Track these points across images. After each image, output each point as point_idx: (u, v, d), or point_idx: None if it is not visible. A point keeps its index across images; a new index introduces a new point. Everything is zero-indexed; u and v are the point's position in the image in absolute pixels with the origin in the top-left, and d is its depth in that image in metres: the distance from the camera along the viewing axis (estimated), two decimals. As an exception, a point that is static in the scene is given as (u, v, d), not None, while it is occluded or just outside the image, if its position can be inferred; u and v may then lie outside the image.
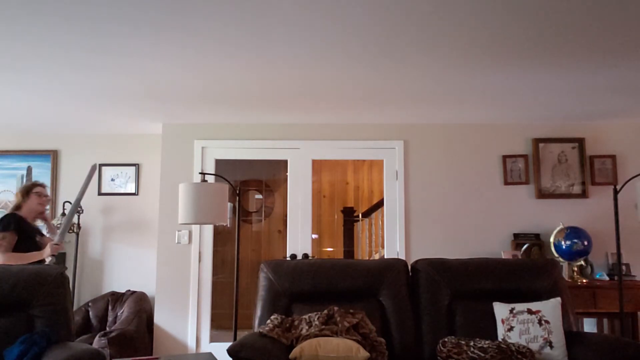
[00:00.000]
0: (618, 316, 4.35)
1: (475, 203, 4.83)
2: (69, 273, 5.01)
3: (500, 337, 2.96)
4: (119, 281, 5.20)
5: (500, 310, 3.03)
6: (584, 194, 4.79)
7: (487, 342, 2.76)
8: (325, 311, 2.95)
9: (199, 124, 4.90)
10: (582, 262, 4.47)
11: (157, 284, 4.72)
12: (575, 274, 4.43)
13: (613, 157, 4.84)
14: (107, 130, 5.19)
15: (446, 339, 2.86)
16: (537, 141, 4.85)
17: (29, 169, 5.32)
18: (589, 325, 4.79)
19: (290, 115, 4.62)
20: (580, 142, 4.85)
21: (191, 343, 4.68)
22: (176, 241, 4.76)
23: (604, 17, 2.64)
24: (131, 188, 5.28)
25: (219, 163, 4.94)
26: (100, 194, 5.27)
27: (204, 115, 4.61)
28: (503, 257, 4.58)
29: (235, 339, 3.43)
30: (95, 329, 4.73)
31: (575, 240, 4.35)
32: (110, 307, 4.85)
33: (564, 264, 4.43)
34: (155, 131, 5.23)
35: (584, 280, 4.34)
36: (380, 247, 6.31)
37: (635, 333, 4.39)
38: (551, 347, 2.84)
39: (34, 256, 3.76)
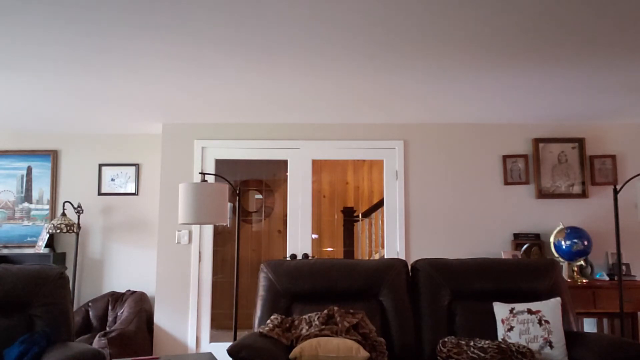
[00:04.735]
0: (618, 316, 4.36)
1: (475, 203, 4.83)
2: (69, 273, 5.03)
3: (500, 337, 2.96)
4: (119, 281, 5.20)
5: (500, 310, 3.03)
6: (584, 194, 4.79)
7: (487, 342, 2.76)
8: (325, 311, 2.95)
9: (199, 124, 4.90)
10: (582, 262, 4.47)
11: (157, 284, 4.72)
12: (575, 274, 4.43)
13: (613, 157, 4.84)
14: (107, 130, 5.19)
15: (446, 339, 2.86)
16: (537, 141, 4.85)
17: (29, 169, 5.32)
18: (589, 325, 4.79)
19: (290, 115, 4.62)
20: (580, 142, 4.85)
21: (191, 343, 4.68)
22: (176, 241, 4.77)
23: (604, 17, 2.64)
24: (131, 188, 5.28)
25: (219, 163, 4.94)
26: (100, 194, 5.27)
27: (204, 115, 4.62)
28: (503, 257, 4.58)
29: (235, 339, 3.43)
30: (95, 329, 4.74)
31: (575, 240, 4.35)
32: (110, 307, 4.85)
33: (564, 264, 4.43)
34: (155, 131, 5.24)
35: (584, 280, 4.34)
36: (380, 247, 6.31)
37: (635, 333, 4.39)
38: (551, 347, 2.84)
39: None
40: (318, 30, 2.78)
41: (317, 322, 2.88)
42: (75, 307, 5.00)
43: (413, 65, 3.33)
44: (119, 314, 4.73)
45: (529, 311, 2.96)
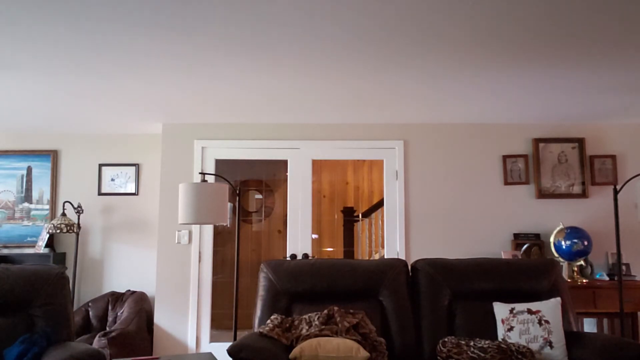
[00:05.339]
0: (618, 316, 4.36)
1: (475, 203, 4.83)
2: (69, 273, 5.03)
3: (500, 337, 2.96)
4: (119, 281, 5.20)
5: (500, 310, 3.03)
6: (584, 194, 4.79)
7: (487, 342, 2.76)
8: (325, 311, 2.95)
9: (199, 124, 4.90)
10: (582, 262, 4.47)
11: (157, 284, 4.72)
12: (575, 274, 4.43)
13: (613, 157, 4.84)
14: (107, 130, 5.19)
15: (446, 339, 2.86)
16: (537, 141, 4.85)
17: (29, 169, 5.32)
18: (589, 325, 4.79)
19: (290, 115, 4.62)
20: (580, 142, 4.85)
21: (191, 343, 4.68)
22: (176, 241, 4.76)
23: (604, 17, 2.64)
24: (131, 188, 5.28)
25: (219, 163, 4.94)
26: (100, 194, 5.27)
27: (204, 115, 4.62)
28: (503, 257, 4.58)
29: (235, 339, 3.43)
30: (95, 329, 4.74)
31: (575, 240, 4.35)
32: (110, 307, 4.85)
33: (564, 264, 4.43)
34: (155, 131, 5.24)
35: (584, 280, 4.34)
36: (380, 247, 6.31)
37: (635, 333, 4.39)
38: (551, 347, 2.84)
39: None
40: (318, 30, 2.78)
41: (317, 322, 2.88)
42: (75, 307, 5.00)
43: (413, 65, 3.33)
44: (119, 314, 4.73)
45: (529, 311, 2.96)
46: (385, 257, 4.83)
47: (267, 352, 2.59)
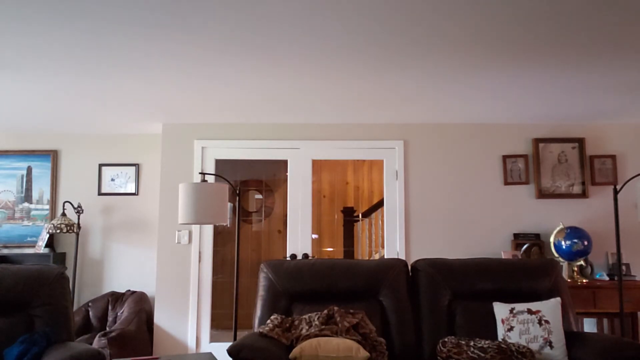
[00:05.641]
0: (618, 316, 4.36)
1: (475, 203, 4.83)
2: (69, 273, 5.03)
3: (500, 337, 2.96)
4: (119, 281, 5.20)
5: (500, 310, 3.03)
6: (584, 194, 4.79)
7: (487, 342, 2.76)
8: (325, 311, 2.95)
9: (199, 124, 4.90)
10: (582, 262, 4.47)
11: (157, 284, 4.72)
12: (575, 274, 4.43)
13: (613, 157, 4.84)
14: (107, 130, 5.20)
15: (446, 339, 2.86)
16: (537, 141, 4.85)
17: (29, 169, 5.32)
18: (589, 325, 4.79)
19: (290, 115, 4.62)
20: (580, 142, 4.85)
21: (191, 343, 4.68)
22: (176, 241, 4.76)
23: (604, 17, 2.64)
24: (131, 188, 5.28)
25: (219, 163, 4.94)
26: (100, 194, 5.27)
27: (204, 115, 4.62)
28: (503, 257, 4.58)
29: (235, 339, 3.43)
30: (95, 329, 4.74)
31: (575, 240, 4.35)
32: (110, 307, 4.85)
33: (564, 264, 4.43)
34: (155, 131, 5.24)
35: (584, 280, 4.34)
36: (380, 247, 6.31)
37: (635, 333, 4.39)
38: (551, 347, 2.84)
39: None
40: (318, 30, 2.78)
41: (317, 322, 2.89)
42: (75, 307, 5.00)
43: (413, 65, 3.33)
44: (119, 314, 4.73)
45: (529, 311, 2.96)
46: (385, 257, 4.83)
47: (267, 352, 2.59)
